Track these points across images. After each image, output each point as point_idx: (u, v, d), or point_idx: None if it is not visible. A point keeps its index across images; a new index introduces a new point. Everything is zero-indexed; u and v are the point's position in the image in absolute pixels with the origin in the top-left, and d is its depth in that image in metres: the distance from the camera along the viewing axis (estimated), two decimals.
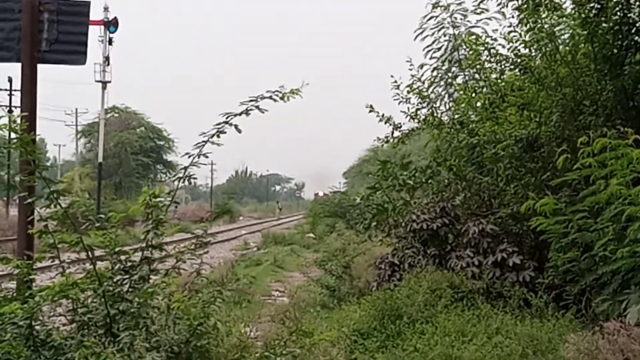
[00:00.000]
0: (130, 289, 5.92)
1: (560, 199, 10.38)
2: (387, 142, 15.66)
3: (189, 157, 6.60)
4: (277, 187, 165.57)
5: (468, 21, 14.83)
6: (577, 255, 9.96)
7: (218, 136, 6.35)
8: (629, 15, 11.91)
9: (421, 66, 14.62)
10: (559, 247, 10.26)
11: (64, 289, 5.79)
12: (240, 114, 6.29)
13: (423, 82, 14.64)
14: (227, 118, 6.29)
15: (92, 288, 5.92)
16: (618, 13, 11.86)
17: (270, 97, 6.32)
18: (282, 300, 14.48)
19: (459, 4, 14.59)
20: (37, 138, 7.38)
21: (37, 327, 5.77)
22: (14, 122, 6.14)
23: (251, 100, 6.29)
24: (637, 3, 12.04)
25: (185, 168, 6.70)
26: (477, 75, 14.40)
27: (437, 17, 14.60)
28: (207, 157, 6.58)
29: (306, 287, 16.52)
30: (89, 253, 5.98)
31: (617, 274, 9.23)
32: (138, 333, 5.56)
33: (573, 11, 12.58)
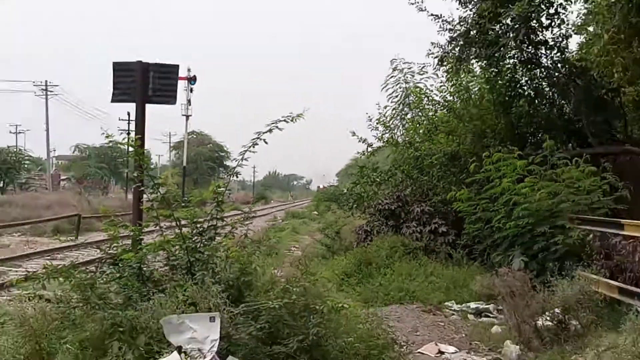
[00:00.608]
0: (202, 245, 7.04)
1: (471, 191, 12.16)
2: (364, 154, 18.48)
3: (237, 161, 7.99)
4: (295, 182, 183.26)
5: (414, 79, 17.58)
6: (481, 226, 11.81)
7: (253, 147, 7.46)
8: (515, 76, 13.86)
9: (385, 107, 17.79)
10: (470, 221, 12.19)
11: (162, 245, 7.05)
12: (266, 132, 7.35)
13: (386, 117, 17.50)
14: (258, 135, 7.38)
15: (178, 244, 7.00)
16: (508, 74, 13.75)
17: (285, 120, 7.35)
18: (297, 253, 16.27)
19: (409, 68, 17.42)
20: (145, 150, 8.40)
21: (144, 268, 6.89)
22: (131, 140, 7.37)
23: (273, 123, 7.34)
24: (521, 68, 13.85)
25: (234, 168, 8.17)
26: (420, 113, 17.06)
27: (395, 76, 17.64)
28: (247, 160, 7.75)
29: (312, 245, 18.98)
30: (177, 222, 7.09)
31: (506, 239, 10.76)
32: (207, 273, 6.51)
33: (481, 73, 14.87)
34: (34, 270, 7.14)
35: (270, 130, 7.45)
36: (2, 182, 55.22)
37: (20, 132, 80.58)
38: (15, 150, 65.11)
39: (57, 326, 5.83)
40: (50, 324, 5.85)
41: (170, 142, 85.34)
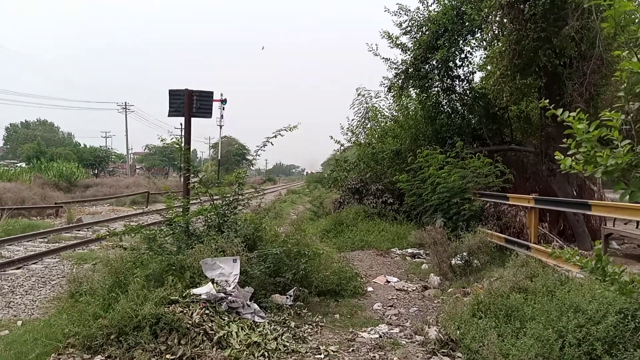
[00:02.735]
0: (229, 212, 7.07)
1: (409, 175, 12.02)
2: (338, 151, 18.15)
3: (252, 157, 8.10)
4: (294, 170, 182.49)
5: (372, 101, 17.60)
6: (415, 199, 11.68)
7: (264, 147, 7.59)
8: (438, 99, 13.77)
9: (352, 120, 17.90)
10: (408, 195, 12.00)
11: (201, 211, 7.05)
12: (272, 137, 7.47)
13: (353, 126, 17.60)
14: (266, 139, 7.49)
15: (213, 211, 7.03)
16: (434, 98, 13.72)
17: (285, 129, 7.50)
18: (293, 217, 16.23)
19: (369, 93, 17.61)
20: (192, 149, 8.60)
21: (190, 227, 6.95)
22: (179, 142, 7.48)
23: (277, 131, 7.48)
24: (443, 95, 13.87)
25: (250, 162, 8.29)
26: (375, 124, 16.87)
27: (359, 99, 17.73)
28: (259, 156, 8.13)
29: (304, 212, 18.68)
30: (211, 196, 7.18)
31: (431, 207, 10.72)
32: (231, 230, 6.67)
33: (416, 97, 14.76)
34: (119, 228, 7.13)
35: (275, 137, 7.57)
36: (96, 169, 54.93)
37: (108, 136, 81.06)
38: (105, 148, 64.91)
39: (130, 266, 5.82)
40: (125, 265, 5.85)
41: (209, 143, 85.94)
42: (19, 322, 6.39)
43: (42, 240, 13.45)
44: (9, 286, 8.29)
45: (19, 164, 49.19)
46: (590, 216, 10.82)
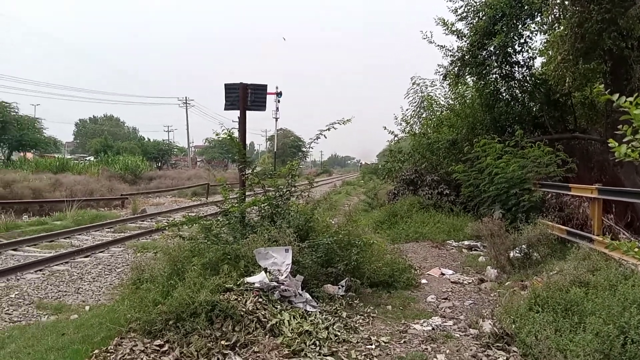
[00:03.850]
0: (282, 202, 7.13)
1: (466, 165, 11.66)
2: (393, 142, 17.97)
3: (306, 149, 8.10)
4: (349, 162, 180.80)
5: (427, 90, 16.72)
6: (472, 190, 11.29)
7: (317, 139, 7.53)
8: (497, 86, 13.21)
9: (406, 109, 17.22)
10: (465, 186, 11.62)
11: (255, 202, 7.18)
12: (325, 131, 7.41)
13: (407, 116, 17.02)
14: (320, 132, 7.41)
15: (266, 201, 7.14)
16: (492, 85, 13.14)
17: (338, 123, 7.43)
18: (347, 208, 16.43)
19: (423, 82, 16.58)
20: (249, 142, 8.79)
21: (245, 217, 7.12)
22: (229, 134, 7.68)
23: (330, 124, 7.44)
24: (502, 82, 13.27)
25: (305, 154, 8.26)
26: (431, 113, 16.30)
27: (414, 88, 16.80)
28: (312, 148, 7.80)
29: (358, 203, 18.76)
30: (264, 188, 7.36)
31: (489, 198, 10.36)
32: (284, 221, 6.68)
33: (473, 85, 14.21)
34: (179, 219, 7.40)
35: (328, 129, 7.55)
36: (159, 162, 57.04)
37: (170, 131, 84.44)
38: (167, 142, 67.28)
39: (187, 255, 6.00)
40: (183, 253, 6.04)
41: (266, 136, 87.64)
42: (87, 307, 6.79)
43: (108, 230, 14.16)
44: (77, 273, 8.81)
45: (87, 158, 51.89)
46: None
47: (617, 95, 2.63)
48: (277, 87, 31.03)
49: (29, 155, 40.57)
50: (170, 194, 28.16)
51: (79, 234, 13.14)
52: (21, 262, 9.24)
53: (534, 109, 13.91)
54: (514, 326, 4.75)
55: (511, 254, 7.98)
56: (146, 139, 67.09)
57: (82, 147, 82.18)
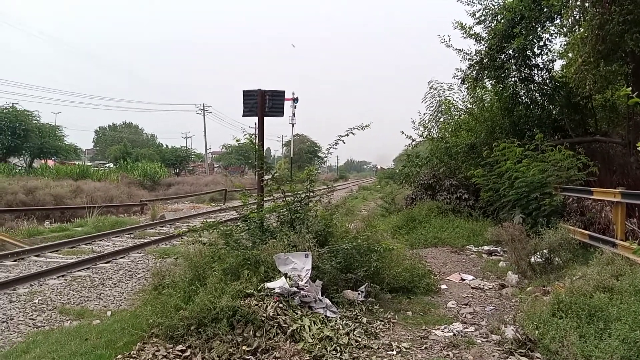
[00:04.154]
0: (300, 208, 7.11)
1: (485, 170, 11.56)
2: (410, 146, 17.81)
3: (324, 155, 8.09)
4: (365, 166, 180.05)
5: (445, 94, 16.49)
6: (492, 194, 11.20)
7: (336, 145, 7.50)
8: (516, 90, 13.12)
9: (424, 114, 16.93)
10: (484, 190, 11.52)
11: (274, 208, 7.22)
12: (343, 136, 7.39)
13: (425, 120, 16.74)
14: (338, 137, 7.39)
15: (285, 207, 7.14)
16: (511, 89, 13.04)
17: (357, 128, 7.41)
18: (365, 213, 16.05)
19: (441, 86, 16.40)
20: (265, 147, 8.80)
21: (264, 223, 7.13)
22: (253, 142, 7.67)
23: (349, 130, 7.40)
24: (521, 85, 13.19)
25: (322, 159, 8.30)
26: (449, 117, 16.14)
27: (431, 92, 16.60)
28: (331, 154, 7.93)
29: (375, 208, 18.69)
30: (283, 193, 7.35)
31: (509, 202, 10.26)
32: (303, 226, 6.72)
33: (491, 88, 14.03)
34: (199, 225, 7.46)
35: (347, 135, 7.54)
36: (177, 169, 57.60)
37: (188, 137, 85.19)
38: (185, 148, 67.87)
39: (208, 260, 6.04)
40: (204, 259, 6.08)
41: (282, 142, 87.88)
42: (109, 313, 6.86)
43: (128, 235, 14.33)
44: (99, 279, 8.92)
45: (107, 165, 52.62)
46: None
47: None
48: (293, 93, 31.15)
49: (50, 162, 41.21)
50: (189, 200, 28.38)
51: (100, 240, 13.31)
52: (44, 268, 9.39)
53: (554, 112, 13.78)
54: (537, 332, 4.70)
55: (532, 259, 7.91)
56: (164, 146, 67.90)
57: (101, 154, 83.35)
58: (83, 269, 9.62)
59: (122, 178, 30.36)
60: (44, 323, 6.46)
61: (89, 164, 51.28)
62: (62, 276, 9.05)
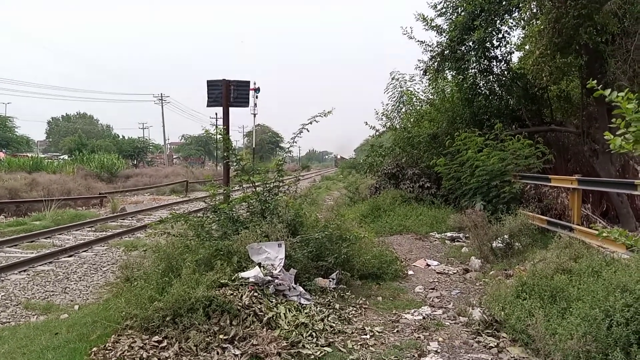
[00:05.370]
0: (270, 198, 7.17)
1: (447, 159, 11.90)
2: (373, 137, 18.17)
3: (290, 144, 8.11)
4: (326, 156, 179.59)
5: (407, 84, 17.00)
6: (453, 183, 11.54)
7: (300, 133, 7.60)
8: (475, 81, 13.51)
9: (386, 104, 17.39)
10: (446, 179, 11.87)
11: (244, 199, 7.26)
12: (307, 124, 7.53)
13: (387, 111, 17.17)
14: (302, 126, 7.53)
15: (254, 198, 7.19)
16: (471, 80, 13.40)
17: (320, 115, 7.53)
18: (330, 203, 16.16)
19: (402, 77, 16.92)
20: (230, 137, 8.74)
21: (234, 214, 7.10)
22: (220, 132, 7.74)
23: (312, 117, 7.53)
24: (481, 76, 13.58)
25: (288, 149, 8.37)
26: (410, 108, 16.55)
27: (393, 83, 17.12)
28: (296, 142, 8.02)
29: (340, 197, 18.65)
30: (253, 184, 7.35)
31: (470, 190, 10.65)
32: (274, 216, 6.75)
33: (452, 79, 14.43)
34: (161, 217, 7.39)
35: (310, 123, 7.62)
36: (135, 160, 56.37)
37: (145, 128, 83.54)
38: (143, 139, 66.47)
39: (180, 252, 6.01)
40: (176, 250, 6.05)
41: (243, 132, 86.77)
42: (76, 307, 6.76)
43: (89, 229, 14.01)
44: (63, 273, 8.73)
45: (61, 157, 50.91)
46: (635, 197, 10.60)
47: (609, 90, 2.79)
48: (254, 83, 30.93)
49: (1, 154, 39.63)
50: (149, 192, 27.88)
51: (60, 234, 12.97)
52: (4, 264, 9.09)
53: (512, 103, 14.21)
54: (503, 313, 4.93)
55: (494, 244, 8.21)
56: (121, 137, 66.19)
57: (54, 146, 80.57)
58: (45, 264, 9.38)
59: (78, 170, 29.48)
60: (9, 319, 6.32)
61: (42, 155, 49.46)
62: (24, 271, 8.81)
